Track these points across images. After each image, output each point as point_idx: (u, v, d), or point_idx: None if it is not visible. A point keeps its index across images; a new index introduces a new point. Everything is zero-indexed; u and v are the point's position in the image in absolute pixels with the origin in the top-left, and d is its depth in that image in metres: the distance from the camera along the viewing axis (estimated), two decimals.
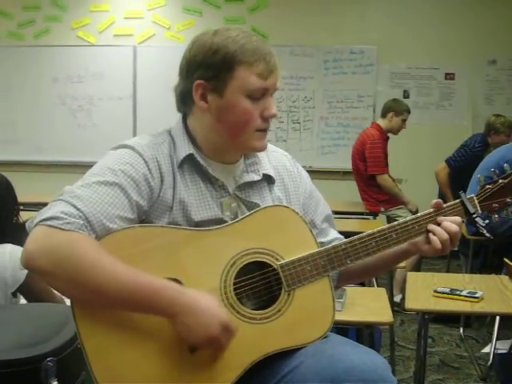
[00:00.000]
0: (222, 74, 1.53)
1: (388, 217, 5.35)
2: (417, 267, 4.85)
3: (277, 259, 1.56)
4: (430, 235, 1.63)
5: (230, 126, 1.57)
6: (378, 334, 3.28)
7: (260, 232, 1.57)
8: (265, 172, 1.69)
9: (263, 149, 1.64)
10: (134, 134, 7.07)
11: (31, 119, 7.30)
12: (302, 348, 1.52)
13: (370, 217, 5.39)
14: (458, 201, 1.69)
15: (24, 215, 2.47)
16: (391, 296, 3.98)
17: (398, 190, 5.36)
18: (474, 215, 1.68)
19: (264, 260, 1.55)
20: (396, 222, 1.65)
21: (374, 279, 4.27)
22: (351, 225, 4.74)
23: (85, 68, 7.24)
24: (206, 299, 1.42)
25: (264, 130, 1.59)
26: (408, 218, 1.65)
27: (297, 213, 1.62)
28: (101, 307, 1.41)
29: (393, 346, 3.65)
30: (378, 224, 4.54)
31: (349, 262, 1.61)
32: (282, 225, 1.60)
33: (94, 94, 7.24)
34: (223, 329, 1.40)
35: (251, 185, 1.67)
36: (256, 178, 1.67)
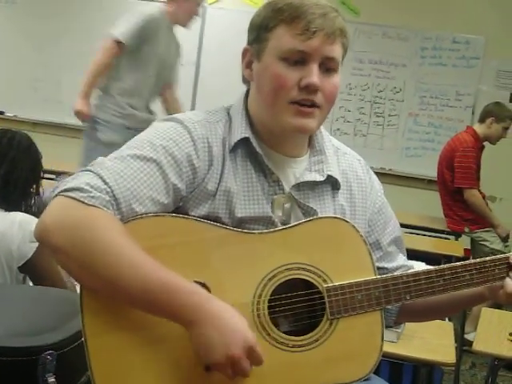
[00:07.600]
0: (261, 35, 1.51)
1: (472, 239, 5.22)
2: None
3: (324, 280, 1.52)
4: (508, 281, 1.59)
5: (264, 95, 1.53)
6: (438, 374, 3.20)
7: (310, 246, 1.53)
8: (330, 173, 1.63)
9: (302, 129, 1.53)
10: (193, 106, 7.11)
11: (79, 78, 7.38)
12: None
13: (452, 237, 5.29)
14: None
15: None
16: (462, 332, 3.88)
17: (487, 209, 5.20)
18: None
19: (308, 279, 1.51)
20: (472, 260, 1.60)
21: None
22: (427, 243, 4.67)
23: None
24: (234, 313, 1.37)
25: (302, 105, 1.50)
26: (488, 258, 1.60)
27: (357, 230, 1.57)
28: (113, 301, 1.39)
29: None
30: (459, 246, 4.57)
31: (408, 297, 1.56)
32: (338, 242, 1.55)
33: None
34: (247, 351, 1.35)
35: (312, 186, 1.62)
36: (319, 178, 1.62)
